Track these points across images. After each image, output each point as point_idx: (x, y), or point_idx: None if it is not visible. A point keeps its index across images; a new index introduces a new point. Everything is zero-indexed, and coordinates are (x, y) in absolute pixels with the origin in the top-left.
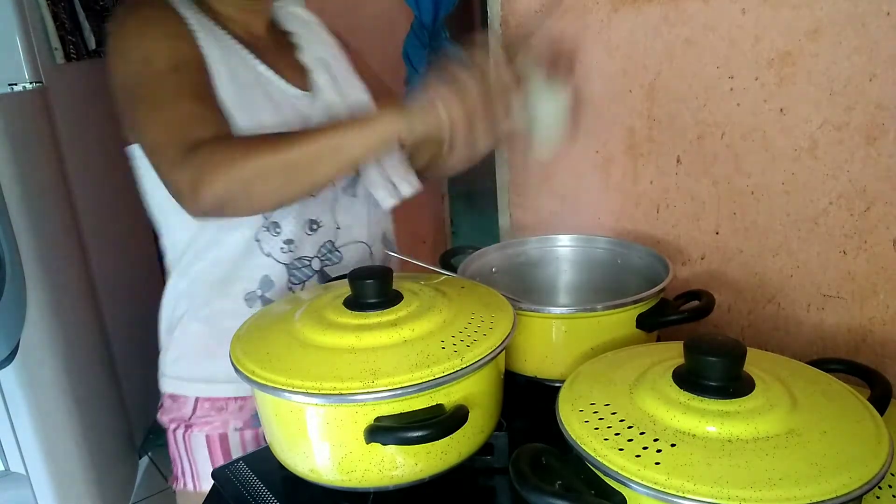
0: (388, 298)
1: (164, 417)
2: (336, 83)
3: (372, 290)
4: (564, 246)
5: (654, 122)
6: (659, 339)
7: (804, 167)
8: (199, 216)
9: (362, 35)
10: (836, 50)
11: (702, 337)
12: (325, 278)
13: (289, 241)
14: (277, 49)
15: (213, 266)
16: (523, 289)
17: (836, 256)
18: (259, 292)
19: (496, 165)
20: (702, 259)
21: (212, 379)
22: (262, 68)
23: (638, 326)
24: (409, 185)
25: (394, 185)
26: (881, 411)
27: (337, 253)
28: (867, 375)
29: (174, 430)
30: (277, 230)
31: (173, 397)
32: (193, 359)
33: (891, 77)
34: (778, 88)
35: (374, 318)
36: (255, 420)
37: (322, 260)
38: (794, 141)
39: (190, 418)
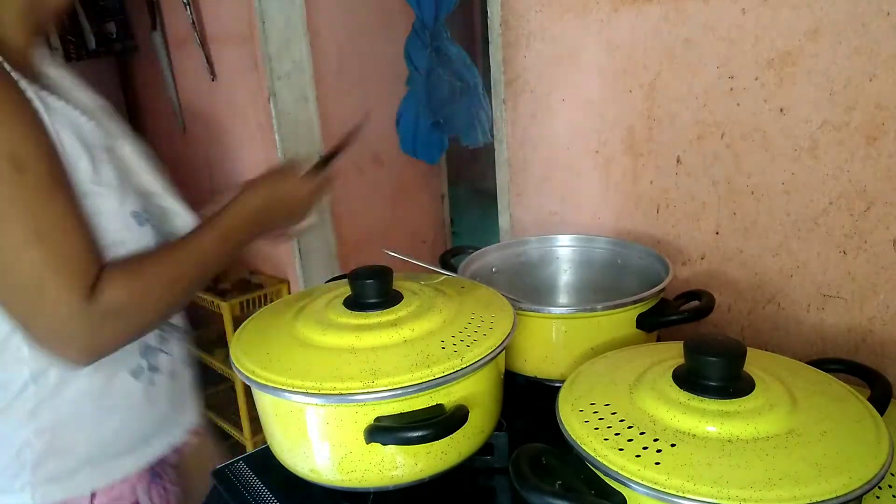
0: (388, 298)
1: None
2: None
3: (372, 289)
4: (564, 246)
5: (654, 122)
6: (659, 339)
7: (804, 167)
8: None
9: (363, 35)
10: (836, 50)
11: (702, 337)
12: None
13: None
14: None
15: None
16: (523, 289)
17: (836, 256)
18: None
19: (496, 165)
20: (702, 259)
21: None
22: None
23: (638, 326)
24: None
25: None
26: (881, 411)
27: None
28: (867, 375)
29: None
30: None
31: None
32: (81, 445)
33: (891, 77)
34: (778, 88)
35: (374, 318)
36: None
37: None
38: (794, 141)
39: None
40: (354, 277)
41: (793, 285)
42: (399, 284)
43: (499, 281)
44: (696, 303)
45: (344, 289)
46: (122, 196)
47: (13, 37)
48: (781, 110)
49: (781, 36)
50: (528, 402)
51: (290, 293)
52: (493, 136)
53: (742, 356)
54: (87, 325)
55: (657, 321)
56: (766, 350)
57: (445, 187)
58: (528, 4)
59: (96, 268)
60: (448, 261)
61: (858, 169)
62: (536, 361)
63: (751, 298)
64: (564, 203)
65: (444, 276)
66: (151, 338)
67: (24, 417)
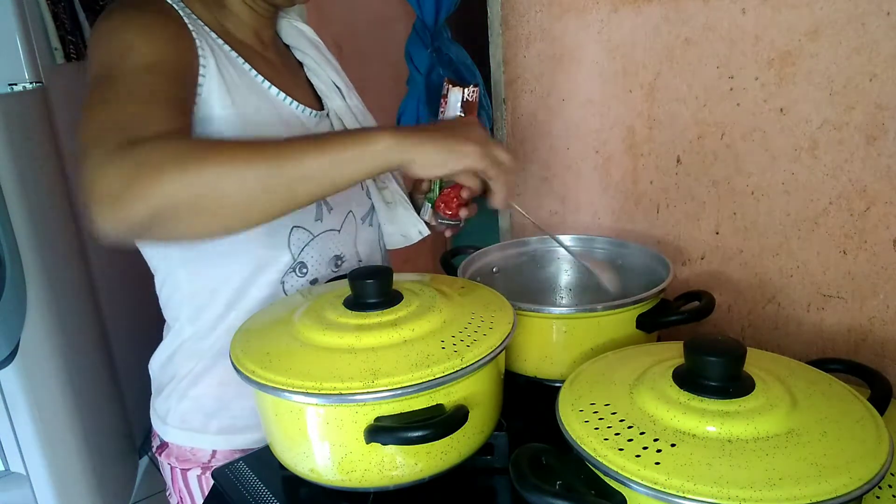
0: (388, 298)
1: (168, 459)
2: (350, 112)
3: (372, 290)
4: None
5: (655, 122)
6: (659, 340)
7: (804, 167)
8: (112, 238)
9: (363, 35)
10: (836, 50)
11: (702, 337)
12: None
13: (314, 281)
14: (285, 65)
15: (235, 321)
16: (523, 289)
17: (836, 256)
18: None
19: None
20: (702, 259)
21: (230, 430)
22: (268, 84)
23: (638, 327)
24: (420, 230)
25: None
26: (881, 411)
27: None
28: (867, 375)
29: (185, 470)
30: (303, 270)
31: (181, 448)
32: (209, 412)
33: (891, 77)
34: (778, 88)
35: (374, 318)
36: None
37: None
38: (794, 141)
39: (210, 461)
40: (354, 277)
41: (793, 285)
42: (399, 284)
43: (499, 281)
44: (696, 303)
45: (344, 289)
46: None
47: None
48: (781, 110)
49: (781, 36)
50: (528, 402)
51: None
52: (493, 136)
53: (742, 356)
54: (114, 178)
55: (657, 321)
56: (767, 350)
57: None
58: (528, 4)
59: (156, 132)
60: (448, 261)
61: (858, 169)
62: (536, 361)
63: (751, 298)
64: (565, 203)
65: (443, 276)
66: None
67: (192, 332)
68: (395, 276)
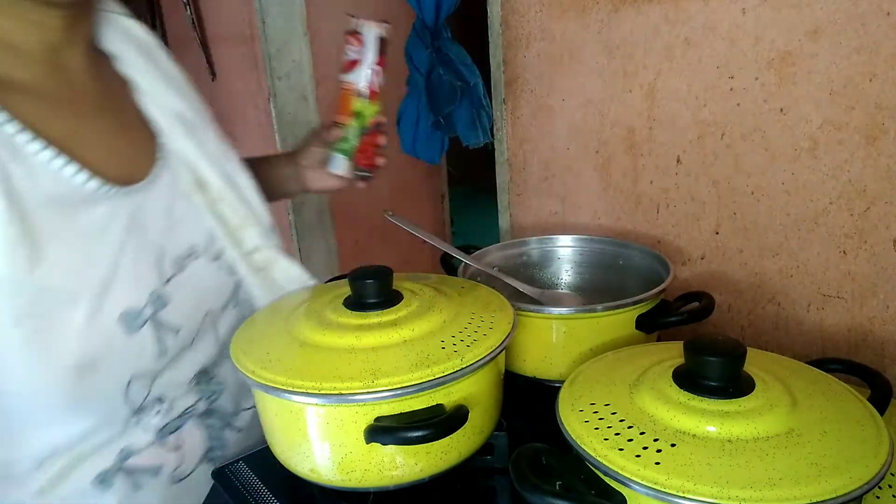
0: (387, 298)
1: None
2: (202, 155)
3: (372, 289)
4: (565, 246)
5: (655, 122)
6: (659, 340)
7: (804, 167)
8: None
9: None
10: (836, 50)
11: (702, 337)
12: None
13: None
14: (101, 95)
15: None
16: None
17: (836, 256)
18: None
19: (496, 165)
20: (702, 259)
21: None
22: (28, 137)
23: (638, 327)
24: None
25: None
26: (881, 411)
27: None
28: (867, 375)
29: None
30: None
31: None
32: None
33: (891, 77)
34: (778, 88)
35: (373, 318)
36: None
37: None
38: (795, 141)
39: None
40: (354, 277)
41: (793, 285)
42: (399, 284)
43: (499, 281)
44: (696, 304)
45: (344, 289)
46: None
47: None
48: (781, 110)
49: (781, 36)
50: (528, 402)
51: None
52: (493, 135)
53: (742, 356)
54: None
55: (657, 322)
56: (767, 350)
57: (445, 187)
58: (528, 4)
59: None
60: (448, 261)
61: (858, 169)
62: (536, 362)
63: (751, 298)
64: (565, 203)
65: (444, 277)
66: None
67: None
68: (395, 276)
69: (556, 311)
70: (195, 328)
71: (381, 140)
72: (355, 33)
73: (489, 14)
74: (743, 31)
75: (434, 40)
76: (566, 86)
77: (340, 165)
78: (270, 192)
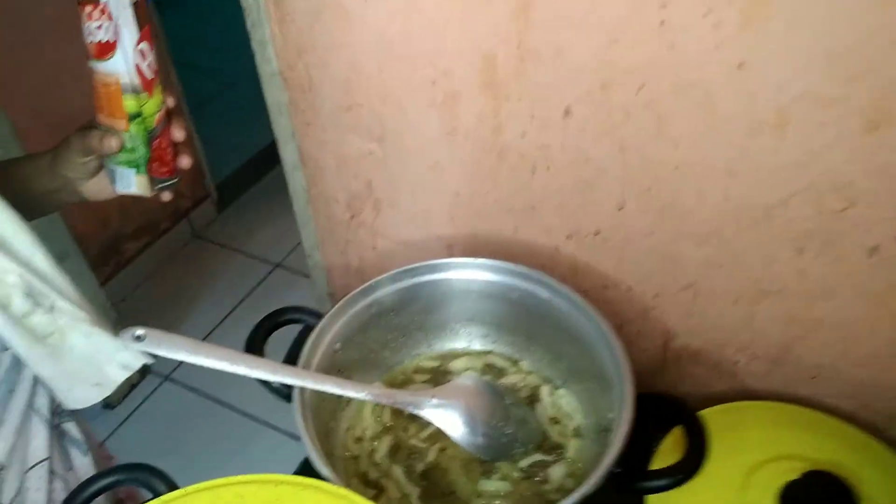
0: None
1: None
2: None
3: None
4: (421, 281)
5: (530, 55)
6: None
7: (762, 147)
8: None
9: None
10: None
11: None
12: None
13: None
14: None
15: None
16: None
17: (788, 253)
18: None
19: (261, 79)
20: (595, 235)
21: None
22: None
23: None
24: (126, 363)
25: None
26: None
27: None
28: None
29: None
30: None
31: None
32: None
33: None
34: (739, 33)
35: None
36: None
37: None
38: (754, 111)
39: None
40: None
41: (721, 276)
42: None
43: (344, 359)
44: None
45: None
46: None
47: None
48: (740, 66)
49: None
50: None
51: None
52: (250, 35)
53: None
54: None
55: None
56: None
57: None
58: None
59: None
60: (259, 343)
61: (843, 160)
62: None
63: (659, 282)
64: (384, 144)
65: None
66: None
67: None
68: None
69: None
70: None
71: (178, 133)
72: (94, 2)
73: None
74: None
75: None
76: None
77: (131, 183)
78: (36, 206)
